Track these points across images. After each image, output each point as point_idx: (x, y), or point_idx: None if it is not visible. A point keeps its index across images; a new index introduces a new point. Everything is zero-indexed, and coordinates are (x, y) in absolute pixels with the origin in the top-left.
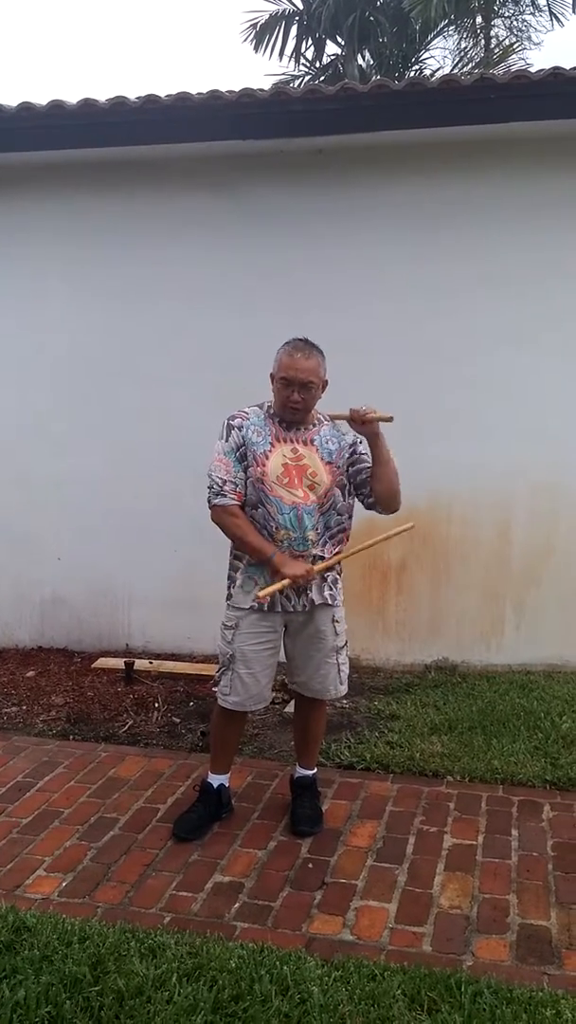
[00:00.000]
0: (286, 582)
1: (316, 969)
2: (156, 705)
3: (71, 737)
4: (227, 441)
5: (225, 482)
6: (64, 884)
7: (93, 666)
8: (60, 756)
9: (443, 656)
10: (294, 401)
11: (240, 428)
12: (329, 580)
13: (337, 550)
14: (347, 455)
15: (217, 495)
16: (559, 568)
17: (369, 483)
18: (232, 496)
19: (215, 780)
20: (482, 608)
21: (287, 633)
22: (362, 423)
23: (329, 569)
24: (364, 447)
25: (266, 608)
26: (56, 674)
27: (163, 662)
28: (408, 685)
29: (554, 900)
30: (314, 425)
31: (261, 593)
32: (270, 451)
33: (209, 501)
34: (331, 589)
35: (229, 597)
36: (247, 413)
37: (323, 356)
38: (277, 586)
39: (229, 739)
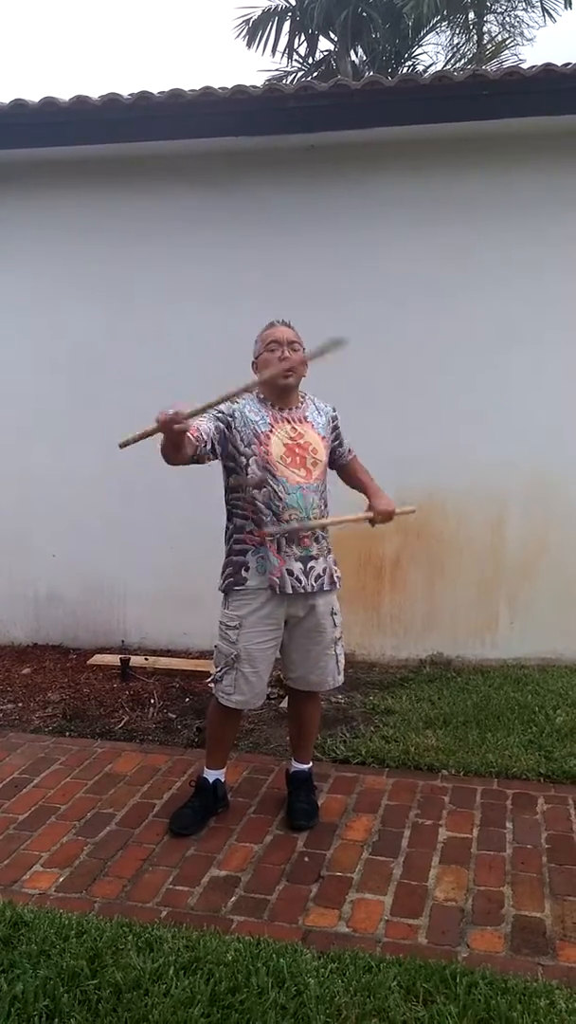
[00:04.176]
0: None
1: (312, 961)
2: (152, 701)
3: (67, 733)
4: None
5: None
6: (61, 879)
7: (89, 663)
8: (56, 752)
9: (438, 651)
10: (287, 358)
11: (235, 406)
12: (330, 560)
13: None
14: (331, 428)
15: None
16: (553, 562)
17: (340, 461)
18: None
19: (211, 775)
20: (476, 603)
21: (285, 628)
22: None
23: None
24: (339, 423)
25: (278, 591)
26: (52, 671)
27: (159, 658)
28: (403, 680)
29: (548, 892)
30: (302, 402)
31: (123, 441)
32: (270, 432)
33: None
34: (334, 567)
35: (227, 595)
36: (241, 400)
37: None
38: (148, 429)
39: (226, 735)
